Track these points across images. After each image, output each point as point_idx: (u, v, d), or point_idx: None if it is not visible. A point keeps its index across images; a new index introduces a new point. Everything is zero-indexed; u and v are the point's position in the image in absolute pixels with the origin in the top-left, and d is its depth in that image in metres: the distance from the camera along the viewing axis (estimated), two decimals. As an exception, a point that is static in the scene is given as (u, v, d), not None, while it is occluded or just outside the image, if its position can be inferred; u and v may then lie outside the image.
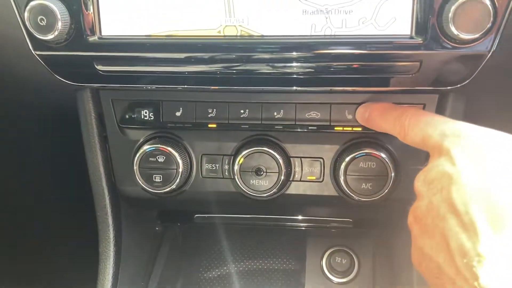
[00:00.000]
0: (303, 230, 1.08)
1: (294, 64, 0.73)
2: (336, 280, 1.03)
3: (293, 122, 0.87)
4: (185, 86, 0.80)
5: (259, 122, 0.88)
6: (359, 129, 0.86)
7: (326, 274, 1.03)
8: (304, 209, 1.00)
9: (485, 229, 0.49)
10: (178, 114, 0.89)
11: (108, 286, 0.91)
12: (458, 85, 0.74)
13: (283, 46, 0.72)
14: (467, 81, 0.73)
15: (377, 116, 0.77)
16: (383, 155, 0.83)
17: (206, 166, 0.91)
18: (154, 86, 0.83)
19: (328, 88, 0.80)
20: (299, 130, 0.87)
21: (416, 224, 0.61)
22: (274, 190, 0.87)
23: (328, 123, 0.86)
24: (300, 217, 1.05)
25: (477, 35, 0.65)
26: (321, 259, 1.05)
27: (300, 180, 0.89)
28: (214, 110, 0.88)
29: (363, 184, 0.85)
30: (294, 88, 0.79)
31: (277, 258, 1.10)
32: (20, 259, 1.25)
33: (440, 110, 0.83)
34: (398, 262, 0.97)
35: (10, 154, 1.17)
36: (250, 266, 1.10)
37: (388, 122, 0.74)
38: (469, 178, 0.53)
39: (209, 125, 0.89)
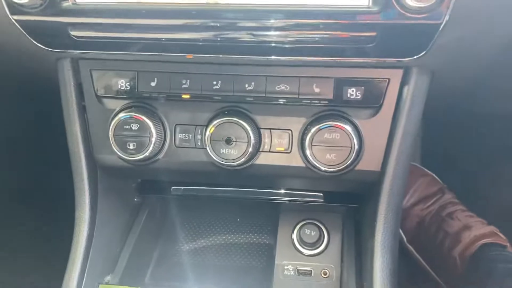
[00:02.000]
0: (276, 203, 1.11)
1: (255, 32, 0.76)
2: (306, 252, 1.05)
3: (264, 95, 0.90)
4: (159, 54, 0.84)
5: (231, 93, 0.91)
6: (326, 102, 0.89)
7: (296, 247, 1.06)
8: (274, 180, 1.03)
9: None
10: (153, 84, 0.92)
11: (82, 248, 0.95)
12: (415, 56, 0.77)
13: (242, 15, 0.75)
14: (424, 52, 0.76)
15: None
16: (347, 127, 0.87)
17: (179, 136, 0.94)
18: (130, 56, 0.86)
19: (296, 59, 0.83)
20: (269, 102, 0.91)
21: None
22: (243, 159, 0.90)
23: (296, 96, 0.90)
24: (273, 191, 1.08)
25: (428, 4, 0.68)
26: (292, 232, 1.08)
27: (269, 151, 0.92)
28: (188, 81, 0.91)
29: (328, 154, 0.88)
30: (260, 57, 0.82)
31: (250, 231, 1.13)
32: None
33: (404, 85, 0.87)
34: (364, 235, 1.00)
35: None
36: (224, 239, 1.13)
37: None
38: None
39: (183, 96, 0.92)
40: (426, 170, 1.82)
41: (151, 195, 1.17)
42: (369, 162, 0.90)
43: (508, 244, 1.55)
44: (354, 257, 1.01)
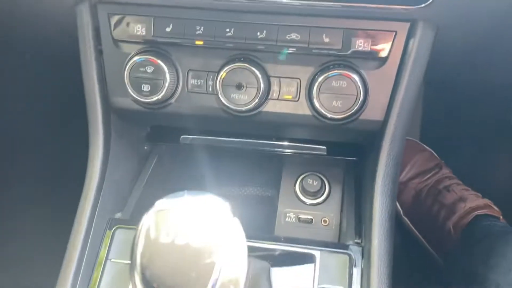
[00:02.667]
0: (281, 156, 1.15)
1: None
2: (308, 201, 1.10)
3: (275, 43, 0.94)
4: None
5: (243, 41, 0.94)
6: (334, 52, 0.93)
7: (299, 196, 1.11)
8: (281, 128, 1.07)
9: None
10: (168, 30, 0.96)
11: (94, 184, 0.99)
12: (423, 4, 0.80)
13: None
14: (428, 2, 0.79)
15: None
16: (354, 76, 0.90)
17: (191, 81, 0.98)
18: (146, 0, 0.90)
19: (307, 3, 0.87)
20: (279, 51, 0.94)
21: None
22: (253, 104, 0.94)
23: (306, 45, 0.93)
24: (279, 143, 1.12)
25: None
26: (295, 183, 1.12)
27: (278, 99, 0.96)
28: (202, 27, 0.95)
29: (334, 101, 0.92)
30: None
31: (255, 182, 1.17)
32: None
33: (410, 38, 0.90)
34: (364, 186, 1.04)
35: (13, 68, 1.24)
36: (230, 189, 1.18)
37: None
38: None
39: (196, 42, 0.96)
40: (424, 146, 1.86)
41: (161, 143, 1.21)
42: (373, 112, 0.94)
43: (501, 217, 1.60)
44: (354, 206, 1.05)
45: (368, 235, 0.92)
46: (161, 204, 0.56)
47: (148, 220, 0.55)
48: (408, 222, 1.79)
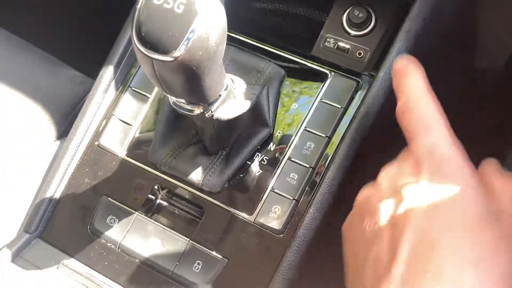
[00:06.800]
0: None
1: None
2: (351, 32, 1.14)
3: None
4: None
5: None
6: None
7: (343, 26, 1.15)
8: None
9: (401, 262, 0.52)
10: None
11: None
12: None
13: None
14: None
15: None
16: None
17: None
18: None
19: None
20: None
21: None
22: None
23: None
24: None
25: None
26: (344, 12, 1.15)
27: None
28: None
29: None
30: None
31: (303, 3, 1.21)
32: None
33: None
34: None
35: None
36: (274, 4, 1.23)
37: None
38: (420, 205, 0.54)
39: None
40: None
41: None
42: None
43: None
44: (385, 44, 1.09)
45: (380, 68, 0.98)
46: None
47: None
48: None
